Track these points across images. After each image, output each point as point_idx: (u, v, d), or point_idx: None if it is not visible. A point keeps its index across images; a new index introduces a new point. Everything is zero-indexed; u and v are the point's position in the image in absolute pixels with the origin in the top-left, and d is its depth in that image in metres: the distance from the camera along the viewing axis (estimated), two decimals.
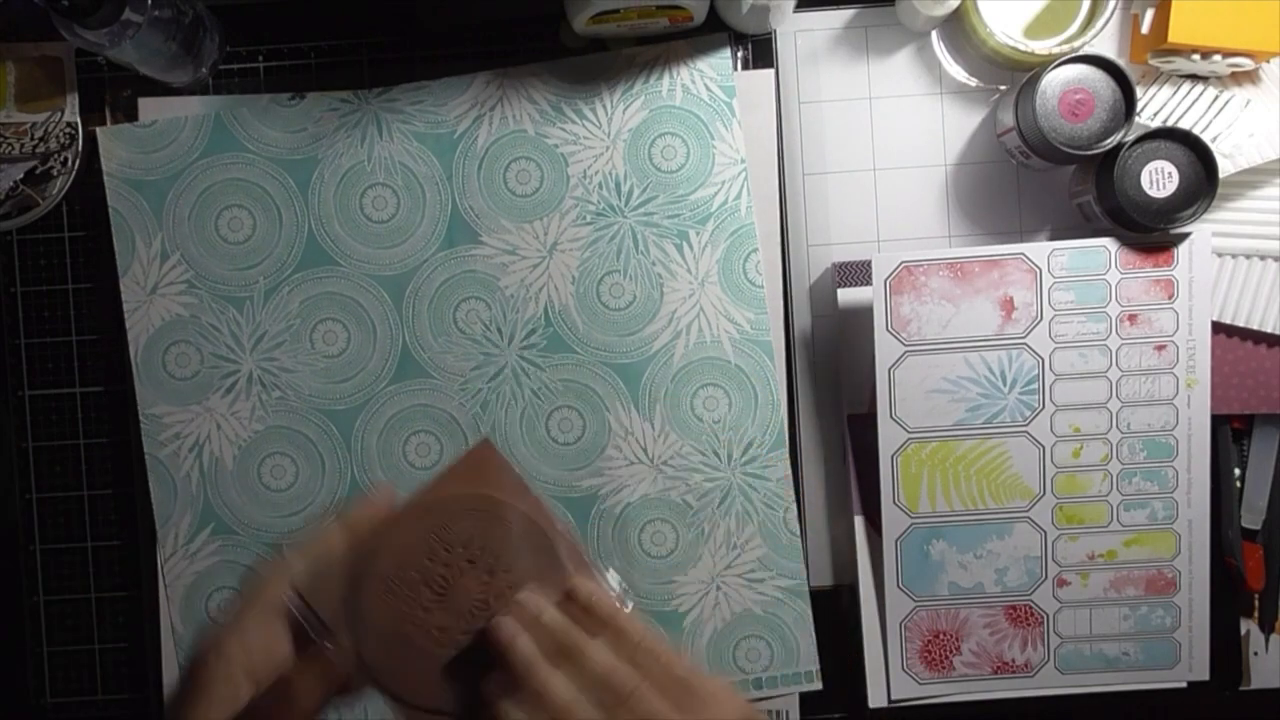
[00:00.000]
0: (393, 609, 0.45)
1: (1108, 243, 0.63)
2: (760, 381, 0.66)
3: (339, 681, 0.45)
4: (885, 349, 0.63)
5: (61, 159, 0.66)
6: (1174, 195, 0.61)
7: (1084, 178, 0.64)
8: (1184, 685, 0.65)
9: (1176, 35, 0.61)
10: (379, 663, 0.45)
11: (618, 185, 0.66)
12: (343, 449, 0.66)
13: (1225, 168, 0.62)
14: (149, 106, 0.66)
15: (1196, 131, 0.62)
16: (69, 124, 0.66)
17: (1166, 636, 0.64)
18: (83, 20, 0.56)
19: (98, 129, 0.66)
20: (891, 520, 0.64)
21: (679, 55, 0.66)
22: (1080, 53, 0.61)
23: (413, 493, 0.47)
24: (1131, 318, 0.63)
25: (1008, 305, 0.63)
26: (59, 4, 0.55)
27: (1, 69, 0.66)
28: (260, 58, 0.67)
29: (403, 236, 0.66)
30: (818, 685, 0.66)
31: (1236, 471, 0.66)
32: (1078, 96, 0.61)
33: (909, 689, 0.65)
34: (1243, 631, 0.67)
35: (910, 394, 0.63)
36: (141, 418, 0.65)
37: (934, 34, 0.68)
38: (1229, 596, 0.66)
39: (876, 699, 0.65)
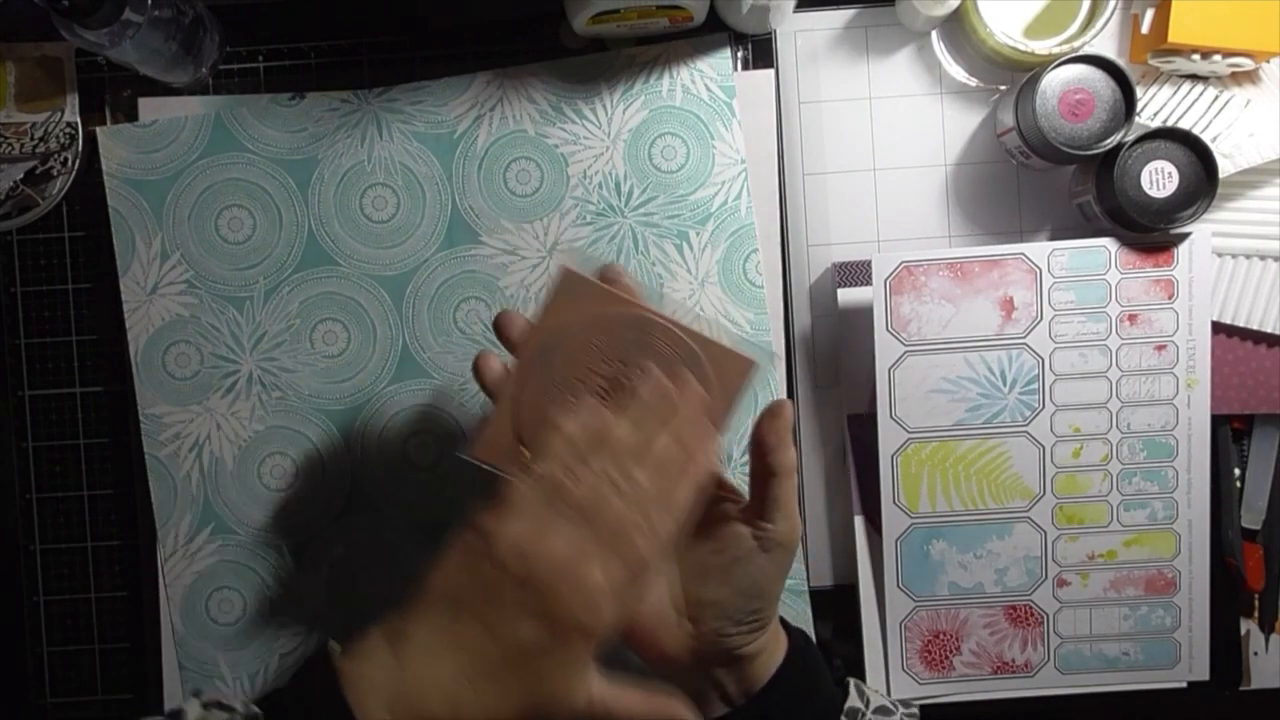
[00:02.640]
0: (556, 406, 0.49)
1: (1108, 243, 0.63)
2: (760, 382, 0.66)
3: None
4: (885, 349, 0.63)
5: (61, 159, 0.66)
6: (1174, 195, 0.61)
7: (1084, 178, 0.64)
8: (1184, 685, 0.65)
9: (1176, 35, 0.61)
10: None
11: (618, 185, 0.66)
12: (343, 449, 0.66)
13: (1225, 168, 0.62)
14: (149, 106, 0.66)
15: (1196, 131, 0.62)
16: (69, 124, 0.66)
17: (1166, 636, 0.64)
18: (83, 20, 0.56)
19: (98, 129, 0.66)
20: (891, 520, 0.64)
21: (679, 55, 0.66)
22: (1080, 53, 0.61)
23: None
24: (1131, 318, 0.63)
25: (1008, 305, 0.63)
26: (59, 4, 0.55)
27: (1, 69, 0.66)
28: (260, 58, 0.67)
29: (403, 236, 0.66)
30: None
31: (1236, 471, 0.66)
32: (1078, 96, 0.61)
33: (909, 689, 0.65)
34: (1243, 631, 0.67)
35: (910, 394, 0.63)
36: (141, 418, 0.65)
37: (934, 34, 0.68)
38: (1229, 596, 0.66)
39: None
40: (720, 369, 0.49)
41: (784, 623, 0.54)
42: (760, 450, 0.50)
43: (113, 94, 0.67)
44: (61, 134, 0.66)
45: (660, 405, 0.47)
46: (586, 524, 0.44)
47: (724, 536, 0.51)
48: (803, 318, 0.68)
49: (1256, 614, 0.67)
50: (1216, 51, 0.62)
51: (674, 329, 0.49)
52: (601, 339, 0.49)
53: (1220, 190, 0.61)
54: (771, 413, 0.50)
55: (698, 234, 0.66)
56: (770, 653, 0.52)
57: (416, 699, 0.43)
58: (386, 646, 0.44)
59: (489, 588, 0.43)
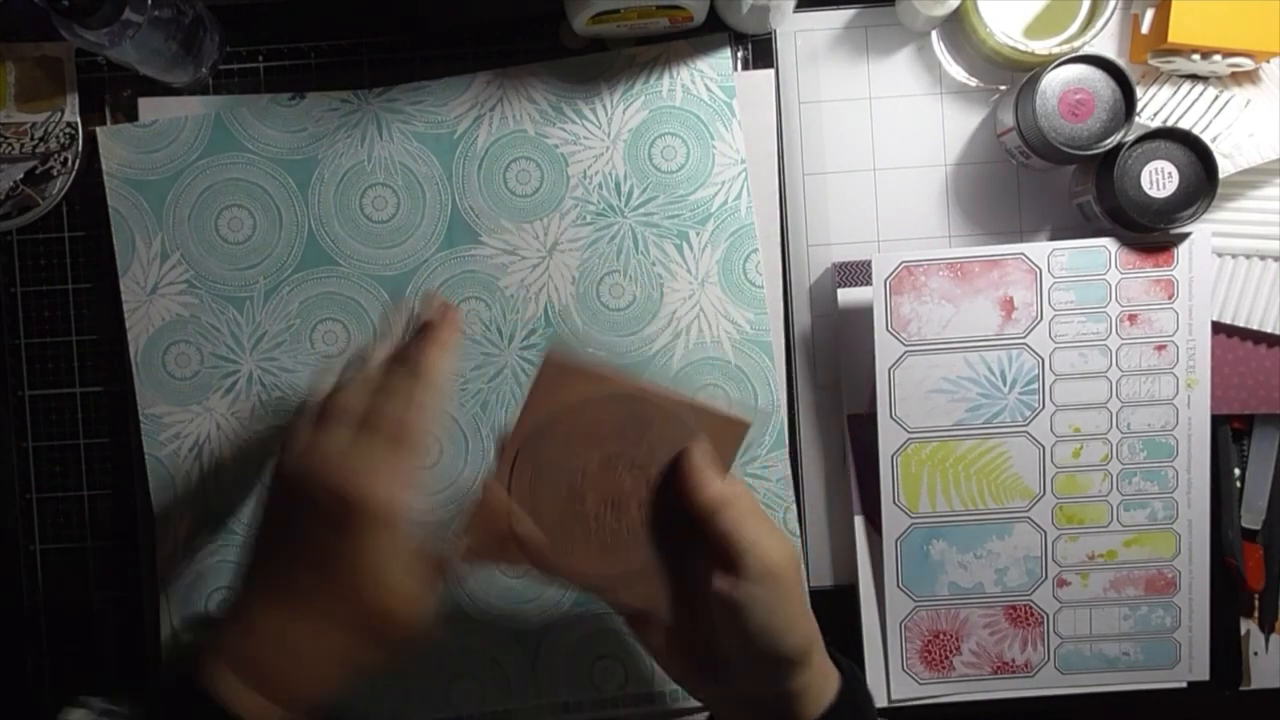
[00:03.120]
0: (551, 492, 0.50)
1: (1108, 243, 0.63)
2: (760, 382, 0.66)
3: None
4: (885, 349, 0.63)
5: (61, 159, 0.66)
6: (1174, 195, 0.61)
7: (1084, 178, 0.64)
8: (1184, 685, 0.65)
9: (1176, 35, 0.61)
10: (539, 534, 0.50)
11: (618, 185, 0.66)
12: None
13: (1225, 168, 0.62)
14: (149, 106, 0.66)
15: (1196, 131, 0.62)
16: (69, 124, 0.66)
17: (1166, 636, 0.64)
18: (83, 20, 0.56)
19: (98, 129, 0.66)
20: (891, 520, 0.64)
21: (679, 55, 0.66)
22: (1080, 53, 0.61)
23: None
24: (1131, 318, 0.63)
25: (1008, 305, 0.63)
26: (59, 4, 0.55)
27: (1, 69, 0.66)
28: (260, 58, 0.67)
29: (403, 236, 0.66)
30: None
31: (1236, 471, 0.66)
32: (1078, 96, 0.61)
33: (909, 689, 0.65)
34: (1243, 631, 0.67)
35: (910, 394, 0.63)
36: (141, 418, 0.65)
37: (934, 34, 0.68)
38: (1229, 596, 0.66)
39: (876, 699, 0.65)
40: (714, 434, 0.50)
41: (834, 657, 0.52)
42: (688, 501, 0.49)
43: (113, 94, 0.67)
44: (61, 134, 0.66)
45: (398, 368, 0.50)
46: (345, 424, 0.47)
47: (714, 599, 0.49)
48: (803, 318, 0.68)
49: (1256, 614, 0.67)
50: (1216, 51, 0.62)
51: (666, 401, 0.50)
52: (596, 419, 0.49)
53: (1220, 190, 0.61)
54: (676, 459, 0.50)
55: (698, 234, 0.66)
56: (821, 688, 0.50)
57: (261, 660, 0.44)
58: (235, 619, 0.46)
59: (286, 520, 0.46)
